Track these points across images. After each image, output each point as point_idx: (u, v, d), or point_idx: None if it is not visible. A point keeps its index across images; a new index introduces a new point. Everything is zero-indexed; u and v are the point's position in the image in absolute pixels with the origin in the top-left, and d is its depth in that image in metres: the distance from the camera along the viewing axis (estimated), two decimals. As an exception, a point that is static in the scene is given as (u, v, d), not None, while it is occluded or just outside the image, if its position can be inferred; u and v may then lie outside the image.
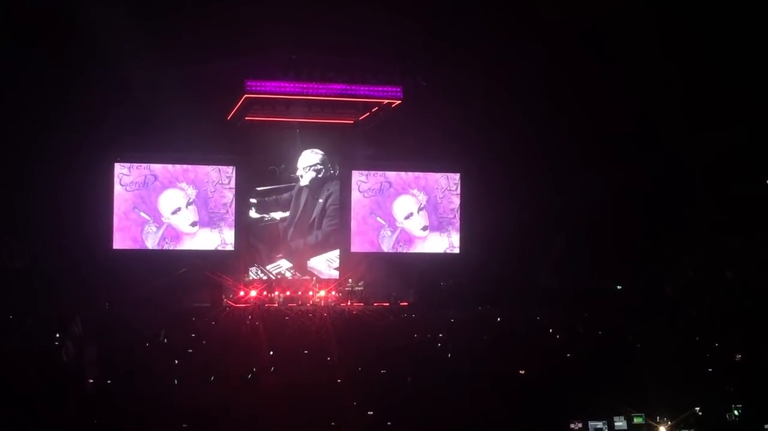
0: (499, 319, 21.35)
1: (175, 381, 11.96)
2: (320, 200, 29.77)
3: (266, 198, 29.38)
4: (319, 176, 29.71)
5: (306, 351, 14.37)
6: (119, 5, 23.07)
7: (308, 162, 29.59)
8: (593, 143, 27.69)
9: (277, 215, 29.48)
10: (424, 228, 30.77)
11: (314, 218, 29.76)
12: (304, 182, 29.54)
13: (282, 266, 29.31)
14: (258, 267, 29.02)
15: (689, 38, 24.15)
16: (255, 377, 12.34)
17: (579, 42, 25.28)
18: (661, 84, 25.51)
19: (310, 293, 28.23)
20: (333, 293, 28.39)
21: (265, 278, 28.80)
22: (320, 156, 29.69)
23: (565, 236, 28.80)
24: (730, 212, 25.75)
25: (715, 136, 25.30)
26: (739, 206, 25.73)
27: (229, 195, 29.09)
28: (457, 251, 30.85)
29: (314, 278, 29.14)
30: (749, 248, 25.44)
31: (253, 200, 29.25)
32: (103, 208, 27.86)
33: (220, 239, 29.00)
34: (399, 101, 26.81)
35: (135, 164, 28.31)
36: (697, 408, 10.36)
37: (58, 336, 15.38)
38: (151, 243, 28.37)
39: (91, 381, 12.21)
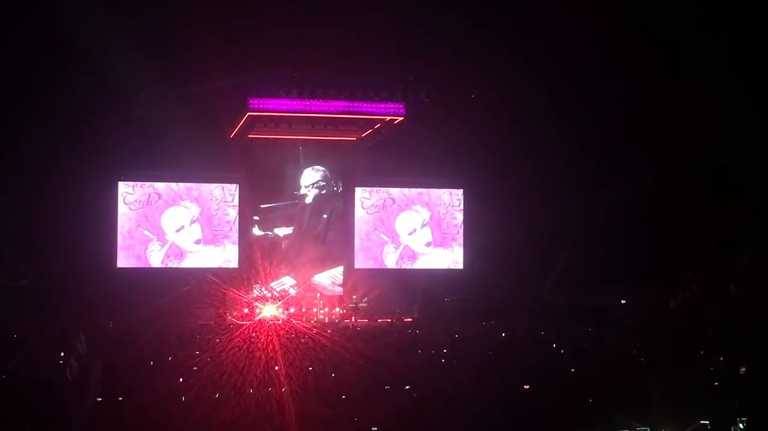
0: (503, 334, 21.33)
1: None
2: (324, 216, 29.82)
3: (269, 215, 29.45)
4: (323, 192, 29.78)
5: (311, 368, 14.36)
6: (122, 27, 23.21)
7: (310, 180, 29.67)
8: (596, 158, 27.71)
9: (281, 231, 29.55)
10: (428, 244, 30.78)
11: (318, 235, 29.80)
12: (308, 199, 29.62)
13: (286, 283, 29.31)
14: (262, 284, 29.02)
15: (692, 51, 24.16)
16: (258, 393, 12.34)
17: (582, 58, 25.33)
18: (664, 100, 25.54)
19: (314, 309, 28.23)
20: (337, 309, 28.38)
21: (269, 295, 28.78)
22: (321, 173, 29.77)
23: (569, 253, 28.78)
24: (733, 227, 25.72)
25: (718, 150, 25.29)
26: (742, 220, 25.70)
27: (233, 213, 29.15)
28: (460, 266, 30.85)
29: (318, 294, 29.14)
30: (753, 262, 25.41)
31: (256, 218, 29.33)
32: (107, 227, 27.93)
33: (224, 256, 29.05)
34: (402, 118, 26.83)
35: (139, 183, 28.41)
36: (702, 422, 10.34)
37: (62, 354, 15.37)
38: (155, 261, 28.42)
39: (98, 399, 12.20)
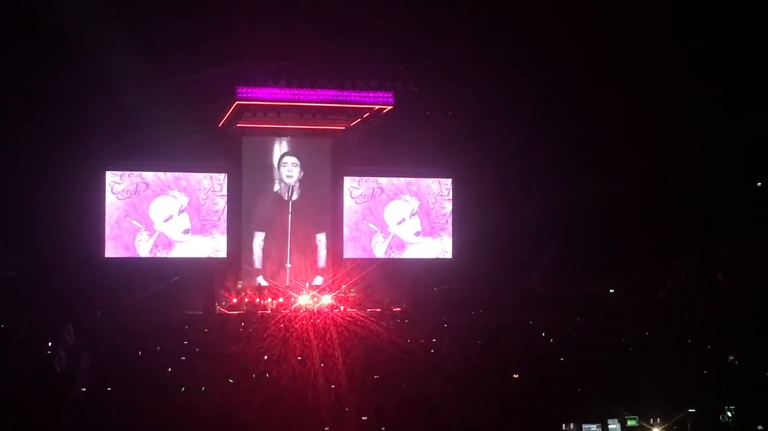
0: (492, 324, 21.35)
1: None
2: (310, 207, 29.72)
3: (258, 204, 29.37)
4: (304, 181, 29.62)
5: (299, 358, 14.35)
6: (109, 16, 23.07)
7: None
8: (586, 148, 27.72)
9: (269, 221, 29.44)
10: (417, 233, 30.79)
11: (306, 224, 29.70)
12: (294, 194, 29.48)
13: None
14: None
15: (685, 42, 24.16)
16: (249, 383, 12.33)
17: (571, 48, 25.29)
18: (654, 90, 25.55)
19: (303, 299, 28.18)
20: (326, 299, 28.30)
21: (257, 285, 28.69)
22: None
23: (557, 242, 28.81)
24: (721, 215, 25.81)
25: (706, 139, 25.35)
26: (730, 209, 25.79)
27: (221, 202, 29.07)
28: (449, 256, 30.87)
29: (307, 284, 29.06)
30: (741, 251, 25.51)
31: (245, 207, 29.25)
32: (95, 216, 27.81)
33: (212, 246, 28.97)
34: (390, 107, 26.76)
35: (127, 172, 28.27)
36: (691, 410, 10.38)
37: (50, 345, 15.34)
38: (143, 251, 28.33)
39: (84, 389, 12.18)
